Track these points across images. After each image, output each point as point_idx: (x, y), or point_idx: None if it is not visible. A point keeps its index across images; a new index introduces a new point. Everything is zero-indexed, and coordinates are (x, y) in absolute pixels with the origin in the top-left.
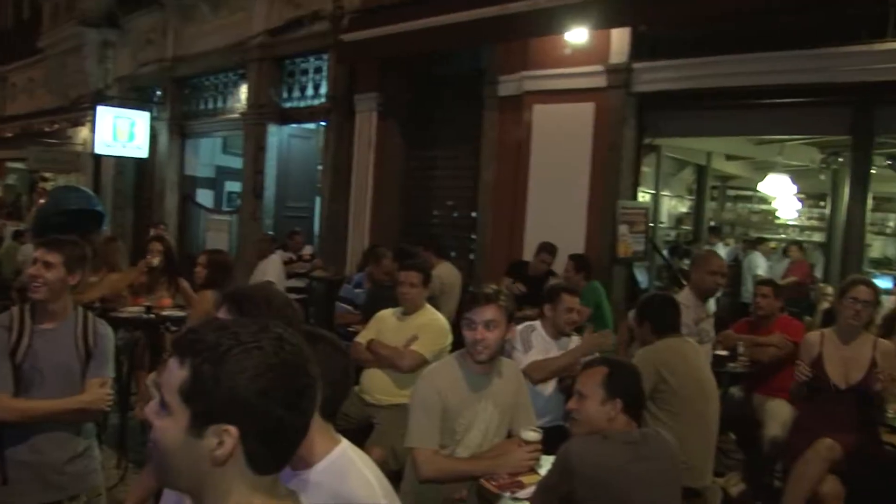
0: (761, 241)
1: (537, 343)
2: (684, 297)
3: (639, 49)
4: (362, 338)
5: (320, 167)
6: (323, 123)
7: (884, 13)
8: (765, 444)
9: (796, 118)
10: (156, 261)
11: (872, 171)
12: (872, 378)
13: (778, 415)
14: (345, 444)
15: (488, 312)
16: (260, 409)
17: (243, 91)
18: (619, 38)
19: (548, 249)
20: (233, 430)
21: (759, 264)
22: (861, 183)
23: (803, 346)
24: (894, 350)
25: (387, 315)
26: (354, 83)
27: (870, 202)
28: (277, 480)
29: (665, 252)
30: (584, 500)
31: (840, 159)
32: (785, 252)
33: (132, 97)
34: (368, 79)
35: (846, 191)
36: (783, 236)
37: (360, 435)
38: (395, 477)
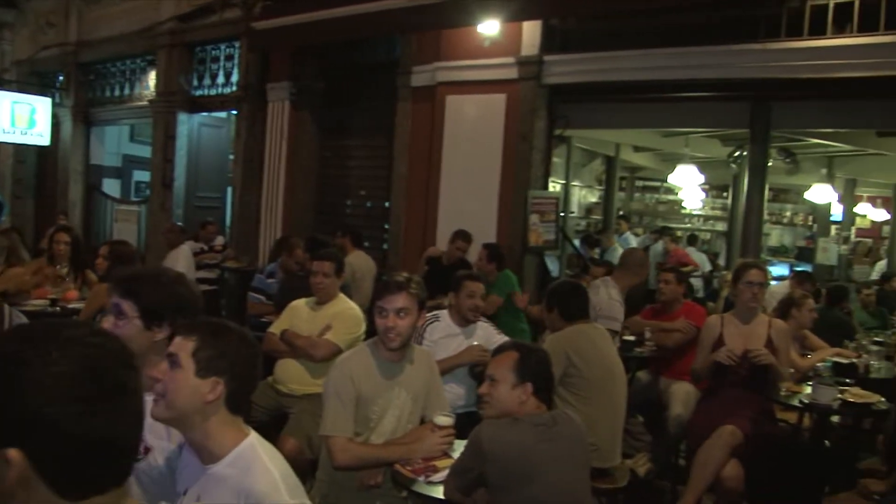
0: (668, 230)
1: (434, 336)
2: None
3: (550, 42)
4: (275, 328)
5: (232, 157)
6: (234, 112)
7: (778, 14)
8: (670, 426)
9: (700, 112)
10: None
11: (770, 164)
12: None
13: (682, 396)
14: (252, 438)
15: (400, 300)
16: (50, 427)
17: (152, 78)
18: (531, 31)
19: (463, 237)
20: (14, 454)
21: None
22: (758, 174)
23: (704, 329)
24: (787, 329)
25: (300, 305)
26: (267, 72)
27: (767, 193)
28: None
29: (576, 241)
30: (495, 480)
31: (742, 152)
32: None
33: (32, 82)
34: (281, 67)
35: (745, 182)
36: (689, 225)
37: (274, 426)
38: (311, 466)
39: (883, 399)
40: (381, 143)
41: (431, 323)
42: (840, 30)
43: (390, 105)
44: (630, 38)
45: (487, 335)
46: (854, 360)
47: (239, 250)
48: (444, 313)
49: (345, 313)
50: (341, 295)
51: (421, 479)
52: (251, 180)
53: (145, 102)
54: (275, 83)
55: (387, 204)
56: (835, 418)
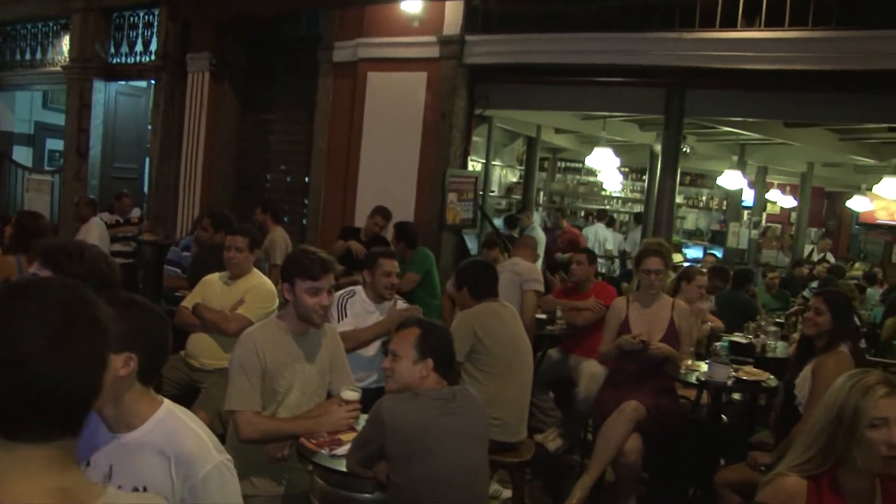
0: (603, 213)
1: (355, 310)
2: None
3: (471, 22)
4: (188, 302)
5: (150, 127)
6: (153, 82)
7: (693, 5)
8: (579, 402)
9: (617, 96)
10: None
11: (684, 150)
12: (672, 336)
13: (591, 374)
14: (168, 404)
15: (331, 278)
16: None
17: (66, 43)
18: (453, 11)
19: (381, 213)
20: None
21: (606, 235)
22: (671, 159)
23: (611, 310)
24: (689, 309)
25: (213, 279)
26: (187, 42)
27: (678, 177)
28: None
29: (498, 220)
30: (394, 453)
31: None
32: (556, 223)
33: None
34: (202, 38)
35: (658, 166)
36: (608, 207)
37: (185, 400)
38: (221, 439)
39: (772, 377)
40: (302, 117)
41: (349, 298)
42: (749, 23)
43: (312, 80)
44: (550, 21)
45: None
46: (752, 340)
47: (156, 223)
48: (359, 289)
49: (258, 288)
50: (255, 270)
51: (325, 451)
52: (170, 152)
53: (59, 68)
54: (195, 54)
55: (307, 179)
56: (736, 396)
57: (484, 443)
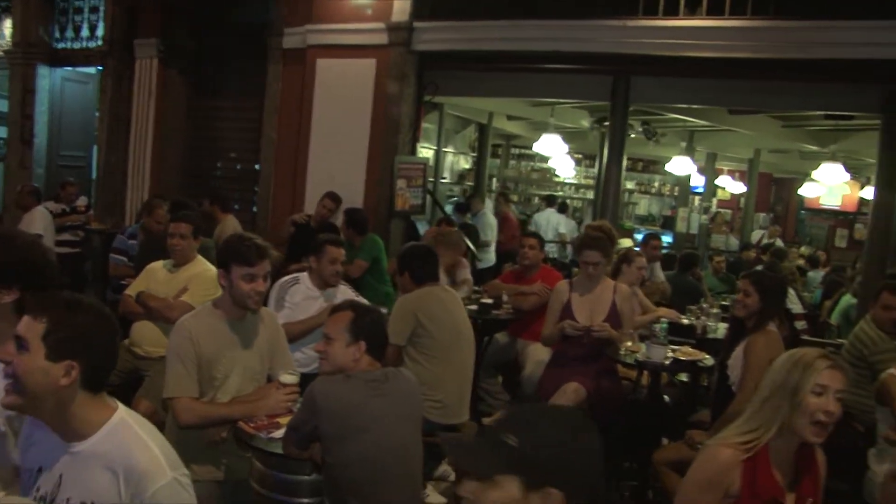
0: (553, 199)
1: (296, 299)
2: None
3: (420, 9)
4: (132, 290)
5: (98, 114)
6: (100, 68)
7: None
8: (525, 385)
9: (565, 83)
10: None
11: (632, 136)
12: (614, 319)
13: (537, 357)
14: (122, 412)
15: (266, 265)
16: None
17: (8, 27)
18: None
19: (331, 196)
20: None
21: (559, 220)
22: (618, 145)
23: (554, 294)
24: (630, 292)
25: (157, 267)
26: (134, 27)
27: (625, 163)
28: None
29: (449, 207)
30: (328, 434)
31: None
32: (497, 208)
33: None
34: (149, 23)
35: (606, 152)
36: (561, 193)
37: (128, 388)
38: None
39: (709, 356)
40: (252, 105)
41: (292, 285)
42: (691, 12)
43: (261, 67)
44: (499, 8)
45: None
46: (692, 322)
47: (105, 211)
48: (304, 276)
49: (202, 275)
50: (199, 257)
51: (263, 435)
52: (118, 139)
53: (0, 53)
54: (143, 39)
55: (257, 167)
56: (682, 376)
57: (417, 423)
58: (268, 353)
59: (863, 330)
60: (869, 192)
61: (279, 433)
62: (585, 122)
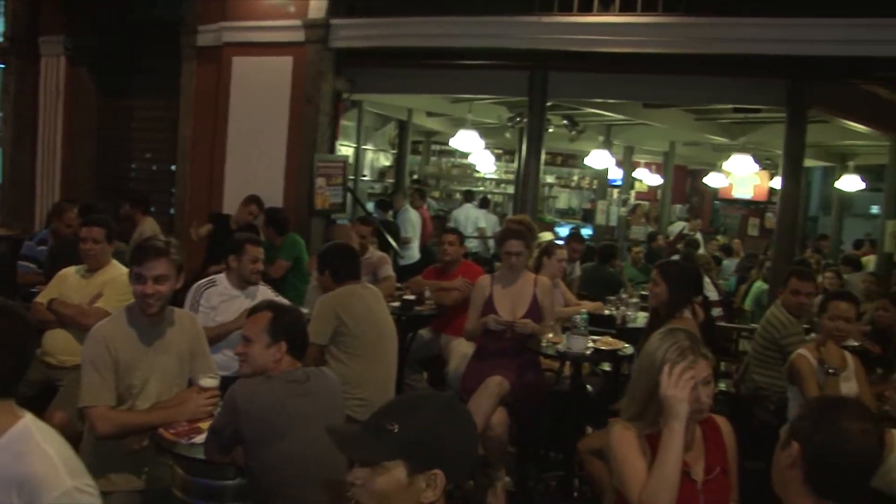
0: (471, 194)
1: (212, 302)
2: None
3: (337, 6)
4: (43, 297)
5: (1, 114)
6: (2, 66)
7: None
8: (449, 380)
9: (482, 79)
10: None
11: (550, 130)
12: (536, 312)
13: (461, 352)
14: (27, 420)
15: (160, 267)
16: None
17: None
18: None
19: (256, 202)
20: None
21: (478, 216)
22: (535, 140)
23: (475, 289)
24: (549, 285)
25: (69, 273)
26: (38, 23)
27: (544, 157)
28: None
29: (370, 205)
30: (250, 436)
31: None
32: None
33: None
34: (54, 19)
35: (524, 147)
36: (482, 189)
37: (42, 399)
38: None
39: (628, 345)
40: (166, 104)
41: (208, 288)
42: (605, 8)
43: (175, 65)
44: (415, 5)
45: (268, 297)
46: (612, 312)
47: (11, 216)
48: (220, 277)
49: (117, 280)
50: (114, 261)
51: (183, 441)
52: (24, 140)
53: None
54: (47, 36)
55: (173, 167)
56: (606, 366)
57: (339, 422)
58: (188, 358)
59: (773, 314)
60: (778, 183)
61: (200, 438)
62: (504, 118)
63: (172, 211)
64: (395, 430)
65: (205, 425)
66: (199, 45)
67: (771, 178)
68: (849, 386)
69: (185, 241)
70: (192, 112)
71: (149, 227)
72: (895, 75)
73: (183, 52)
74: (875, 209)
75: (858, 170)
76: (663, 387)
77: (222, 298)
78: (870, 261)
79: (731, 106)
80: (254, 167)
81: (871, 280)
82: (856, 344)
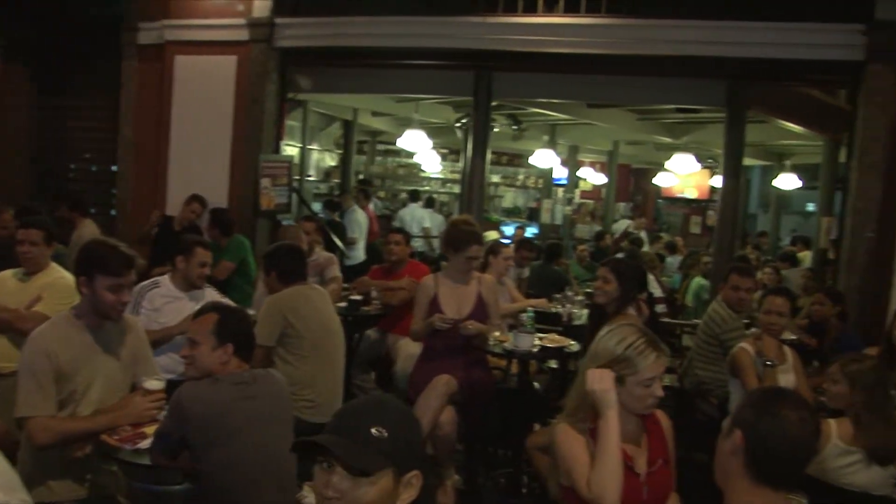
0: (417, 194)
1: (155, 303)
2: None
3: (281, 5)
4: None
5: None
6: None
7: None
8: (397, 380)
9: (427, 79)
10: None
11: (496, 130)
12: (481, 310)
13: (408, 352)
14: None
15: (133, 274)
16: None
17: None
18: None
19: (199, 200)
20: None
21: (423, 215)
22: (481, 140)
23: (420, 289)
24: (494, 281)
25: (6, 276)
26: None
27: (489, 157)
28: None
29: (317, 205)
30: (197, 440)
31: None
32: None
33: None
34: None
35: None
36: (427, 188)
37: None
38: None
39: (575, 342)
40: (107, 103)
41: (151, 290)
42: (549, 9)
43: (115, 63)
44: (361, 5)
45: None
46: (558, 310)
47: None
48: (163, 279)
49: (57, 283)
50: (53, 264)
51: (128, 446)
52: None
53: None
54: None
55: (114, 168)
56: (553, 363)
57: (288, 424)
58: (131, 362)
59: (714, 310)
60: (718, 181)
61: (146, 444)
62: (449, 117)
63: (114, 212)
64: (385, 436)
65: (150, 430)
66: (141, 43)
67: (712, 177)
68: (787, 378)
69: (129, 243)
70: (134, 111)
71: (88, 229)
72: (827, 78)
73: (124, 50)
74: (811, 206)
75: (795, 169)
76: (588, 384)
77: (166, 300)
78: (806, 256)
79: (673, 106)
80: (198, 167)
81: (808, 275)
82: (793, 337)
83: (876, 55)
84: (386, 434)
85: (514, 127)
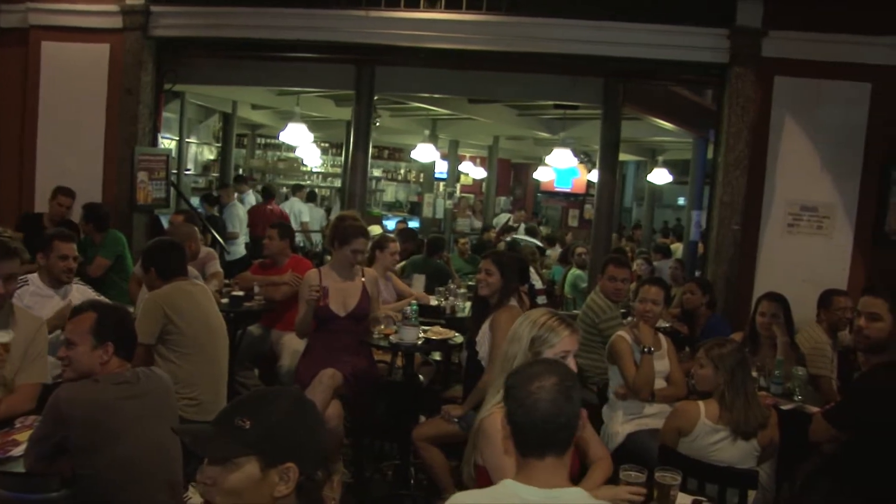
0: (299, 188)
1: (23, 300)
2: None
3: None
4: None
5: None
6: None
7: None
8: (282, 376)
9: (309, 72)
10: None
11: (377, 124)
12: (365, 304)
13: (292, 347)
14: None
15: (13, 265)
16: None
17: None
18: None
19: (65, 192)
20: None
21: (302, 209)
22: (363, 134)
23: (304, 283)
24: (376, 276)
25: None
26: None
27: (371, 151)
28: None
29: (196, 199)
30: (79, 443)
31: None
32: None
33: None
34: None
35: (352, 140)
36: (309, 182)
37: None
38: None
39: (458, 334)
40: None
41: (20, 287)
42: (431, 5)
43: None
44: None
45: (85, 296)
46: (441, 302)
47: None
48: (32, 277)
49: None
50: None
51: None
52: None
53: None
54: None
55: None
56: (436, 355)
57: (172, 423)
58: (18, 359)
59: (593, 300)
60: (595, 176)
61: (18, 451)
62: (332, 111)
63: None
64: (248, 426)
65: (22, 437)
66: (3, 27)
67: (589, 172)
68: (662, 364)
69: None
70: None
71: None
72: (696, 78)
73: None
74: (682, 200)
75: (667, 164)
76: None
77: (35, 298)
78: (678, 248)
79: (551, 102)
80: (69, 162)
81: (678, 266)
82: (666, 325)
83: (738, 58)
84: (248, 424)
85: (376, 122)
